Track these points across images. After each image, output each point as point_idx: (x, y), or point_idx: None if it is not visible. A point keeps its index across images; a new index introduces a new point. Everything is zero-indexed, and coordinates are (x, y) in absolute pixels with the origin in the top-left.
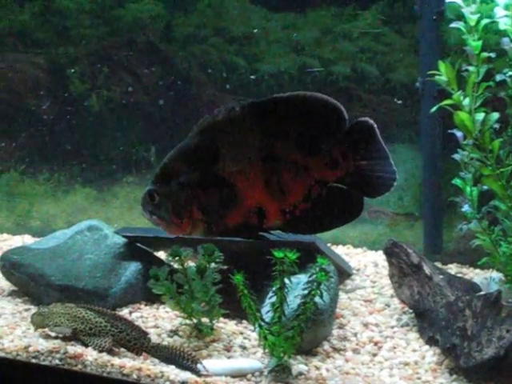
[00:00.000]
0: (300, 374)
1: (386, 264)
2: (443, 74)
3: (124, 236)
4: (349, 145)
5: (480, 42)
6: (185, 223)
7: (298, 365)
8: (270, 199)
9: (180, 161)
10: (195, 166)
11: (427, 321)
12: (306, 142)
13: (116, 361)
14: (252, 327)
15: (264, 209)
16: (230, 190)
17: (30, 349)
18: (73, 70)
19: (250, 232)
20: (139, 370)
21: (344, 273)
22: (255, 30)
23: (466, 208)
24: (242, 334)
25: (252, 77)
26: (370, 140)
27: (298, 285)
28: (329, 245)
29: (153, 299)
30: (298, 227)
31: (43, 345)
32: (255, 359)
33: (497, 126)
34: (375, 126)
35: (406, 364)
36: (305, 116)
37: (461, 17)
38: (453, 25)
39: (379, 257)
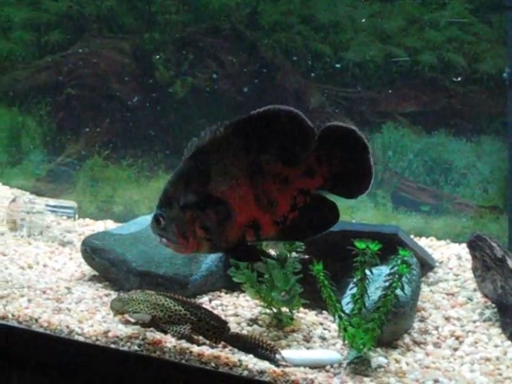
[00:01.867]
0: (379, 366)
1: (469, 257)
2: None
3: None
4: (322, 151)
5: None
6: (191, 243)
7: (377, 357)
8: (261, 212)
9: (177, 185)
10: (191, 189)
11: (510, 316)
12: (283, 154)
13: (195, 348)
14: (332, 318)
15: (258, 222)
16: (225, 207)
17: (110, 334)
18: (158, 56)
19: (249, 247)
20: (217, 358)
21: (426, 265)
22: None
23: None
24: (321, 324)
25: (337, 65)
26: (342, 142)
27: (379, 276)
28: (412, 236)
29: (233, 287)
30: (290, 235)
31: (122, 330)
32: (334, 351)
33: None
34: (348, 127)
35: (488, 359)
36: (277, 129)
37: None
38: None
39: (463, 250)
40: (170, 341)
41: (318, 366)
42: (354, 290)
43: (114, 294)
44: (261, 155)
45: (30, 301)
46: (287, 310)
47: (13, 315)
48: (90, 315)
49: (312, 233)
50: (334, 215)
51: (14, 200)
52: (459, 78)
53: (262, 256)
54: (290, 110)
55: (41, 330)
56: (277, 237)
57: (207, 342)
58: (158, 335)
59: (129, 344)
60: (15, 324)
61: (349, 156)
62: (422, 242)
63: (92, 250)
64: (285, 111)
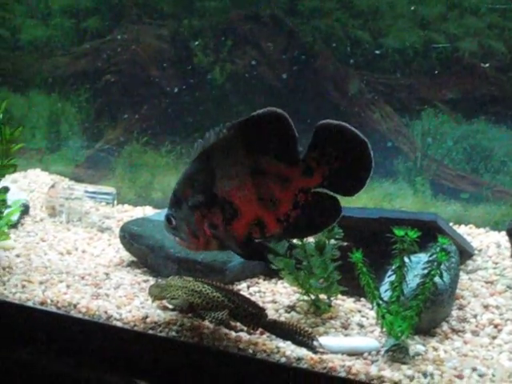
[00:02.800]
0: (417, 354)
1: (508, 245)
2: None
3: None
4: (317, 151)
5: None
6: (201, 241)
7: (415, 345)
8: (265, 211)
9: (185, 186)
10: (198, 189)
11: None
12: (283, 155)
13: (232, 335)
14: (370, 305)
15: (262, 220)
16: (230, 207)
17: (148, 320)
18: (197, 43)
19: (256, 246)
20: (255, 344)
21: (465, 253)
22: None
23: None
24: (359, 312)
25: (376, 52)
26: (335, 140)
27: (417, 264)
28: (451, 224)
29: (271, 274)
30: (295, 232)
31: (160, 316)
32: (372, 338)
33: None
34: (339, 124)
35: None
36: (275, 131)
37: None
38: None
39: (502, 238)
40: (207, 327)
41: (356, 354)
42: (393, 278)
43: (152, 280)
44: (262, 156)
45: (68, 286)
46: (325, 297)
47: (51, 301)
48: (129, 301)
49: (315, 229)
50: (335, 211)
51: (53, 186)
52: (487, 64)
53: (270, 253)
54: (281, 112)
55: (79, 315)
56: (282, 234)
57: (245, 328)
58: (196, 321)
59: (167, 330)
60: (54, 309)
61: (344, 153)
62: (461, 229)
63: (130, 236)
64: (281, 113)
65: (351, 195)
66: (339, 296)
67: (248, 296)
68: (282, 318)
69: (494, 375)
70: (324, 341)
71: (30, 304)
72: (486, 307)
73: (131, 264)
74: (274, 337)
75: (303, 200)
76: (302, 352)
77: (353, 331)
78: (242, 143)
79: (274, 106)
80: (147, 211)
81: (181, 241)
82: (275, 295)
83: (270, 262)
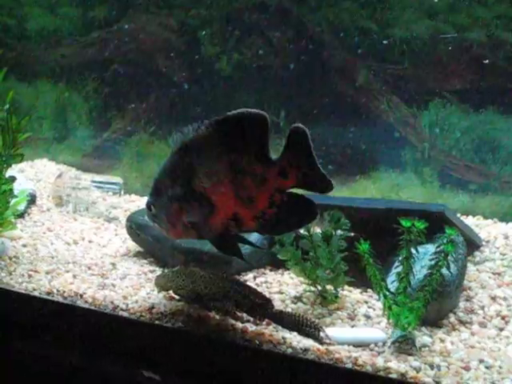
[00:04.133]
0: (424, 345)
1: None
2: None
3: None
4: (290, 153)
5: None
6: (178, 230)
7: (422, 336)
8: (242, 207)
9: (165, 177)
10: (177, 183)
11: None
12: (261, 155)
13: (238, 325)
14: (377, 296)
15: (239, 216)
16: (208, 202)
17: (154, 310)
18: (204, 32)
19: (229, 238)
20: (261, 335)
21: (473, 244)
22: None
23: None
24: (366, 303)
25: (384, 42)
26: (303, 144)
27: (425, 255)
28: (458, 215)
29: (277, 265)
30: (270, 229)
31: (167, 307)
32: (379, 329)
33: None
34: (306, 129)
35: None
36: (253, 131)
37: None
38: None
39: (510, 229)
40: (213, 317)
41: (362, 345)
42: (400, 269)
43: (158, 271)
44: (240, 155)
45: (75, 276)
46: (332, 288)
47: (58, 290)
48: (135, 291)
49: (290, 228)
50: (310, 212)
51: (59, 176)
52: (487, 61)
53: (245, 244)
54: (263, 114)
55: (86, 305)
56: (257, 230)
57: (251, 319)
58: (202, 312)
59: (173, 320)
60: (60, 299)
61: (311, 159)
62: (469, 220)
63: (137, 226)
64: (259, 114)
65: (326, 193)
66: (346, 287)
67: (254, 287)
68: (289, 309)
69: (501, 367)
70: (330, 332)
71: (36, 294)
72: (494, 299)
73: (138, 254)
74: (280, 328)
75: (279, 200)
76: (309, 343)
77: (359, 322)
78: (221, 141)
79: (282, 97)
80: None
81: (159, 227)
82: (282, 286)
83: (243, 259)
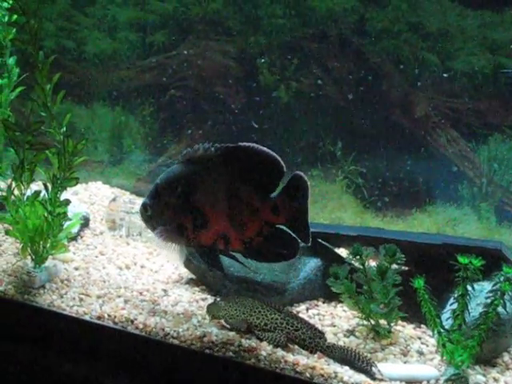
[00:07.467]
0: None
1: None
2: None
3: None
4: (286, 196)
5: None
6: (169, 235)
7: (475, 375)
8: (232, 229)
9: (167, 184)
10: (176, 193)
11: None
12: (260, 189)
13: (290, 357)
14: (430, 333)
15: (228, 236)
16: (202, 217)
17: (205, 339)
18: (263, 60)
19: (216, 252)
20: (313, 368)
21: None
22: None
23: None
24: (419, 338)
25: (445, 75)
26: (300, 193)
27: (480, 292)
28: None
29: (331, 297)
30: (255, 256)
31: (218, 336)
32: (432, 366)
33: None
34: (308, 182)
35: None
36: (258, 165)
37: None
38: None
39: None
40: (265, 349)
41: (415, 381)
42: (455, 306)
43: (210, 299)
44: (241, 184)
45: (126, 302)
46: (385, 323)
47: (109, 315)
48: (186, 319)
49: (272, 259)
50: (293, 251)
51: (113, 199)
52: None
53: (230, 258)
54: (270, 152)
55: (136, 331)
56: (243, 253)
57: (303, 351)
58: (254, 342)
59: (224, 350)
60: (111, 324)
61: (300, 206)
62: None
63: (190, 253)
64: (266, 151)
65: (306, 243)
66: (399, 322)
67: (307, 319)
68: (341, 343)
69: None
70: (383, 367)
71: (87, 318)
72: None
73: (190, 281)
74: (332, 361)
75: (267, 231)
76: (360, 378)
77: (412, 358)
78: (226, 166)
79: (339, 127)
80: None
81: (151, 230)
82: (334, 318)
83: (223, 271)
